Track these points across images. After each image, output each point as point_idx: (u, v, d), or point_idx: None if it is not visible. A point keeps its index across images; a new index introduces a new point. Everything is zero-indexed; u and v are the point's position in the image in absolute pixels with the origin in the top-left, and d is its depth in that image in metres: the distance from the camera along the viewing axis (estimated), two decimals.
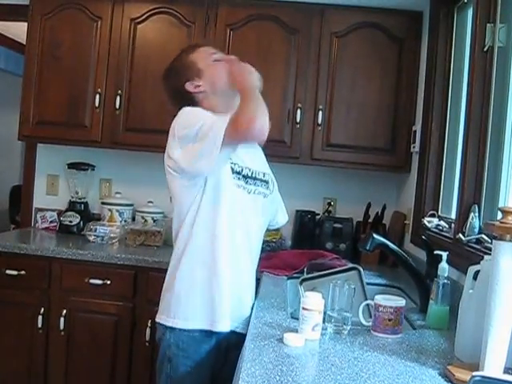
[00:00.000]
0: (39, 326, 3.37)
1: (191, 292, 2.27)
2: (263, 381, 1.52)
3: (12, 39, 6.82)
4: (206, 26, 3.63)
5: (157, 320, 2.36)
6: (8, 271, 3.36)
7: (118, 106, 3.66)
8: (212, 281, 2.26)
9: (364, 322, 2.04)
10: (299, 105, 3.57)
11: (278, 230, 3.83)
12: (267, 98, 3.48)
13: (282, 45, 3.61)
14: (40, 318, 3.37)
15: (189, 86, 2.41)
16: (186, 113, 2.30)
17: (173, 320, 2.28)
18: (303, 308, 1.92)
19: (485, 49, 2.51)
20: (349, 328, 1.99)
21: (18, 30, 6.04)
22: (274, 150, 3.51)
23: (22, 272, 3.37)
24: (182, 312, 2.28)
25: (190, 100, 2.39)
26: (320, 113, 3.57)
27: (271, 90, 3.54)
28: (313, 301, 1.93)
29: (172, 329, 2.27)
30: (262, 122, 2.11)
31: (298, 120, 3.57)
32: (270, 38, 3.61)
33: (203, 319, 2.26)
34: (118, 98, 3.66)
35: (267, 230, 2.64)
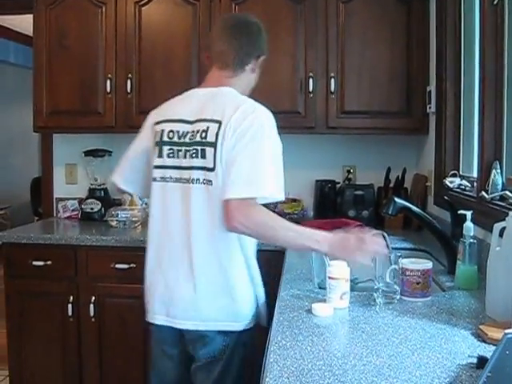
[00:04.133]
0: (69, 314, 3.40)
1: None
2: (295, 352, 1.52)
3: (20, 33, 6.83)
4: (210, 3, 3.59)
5: None
6: (35, 262, 3.39)
7: (129, 90, 3.65)
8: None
9: (396, 287, 2.02)
10: (311, 74, 3.53)
11: (298, 201, 3.83)
12: (278, 70, 3.50)
13: (288, 15, 3.56)
14: (70, 306, 3.40)
15: (253, 63, 2.28)
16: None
17: None
18: (329, 277, 1.92)
19: (494, 2, 2.46)
20: (398, 297, 1.99)
21: (24, 23, 6.05)
22: (289, 121, 3.52)
23: (49, 262, 3.40)
24: None
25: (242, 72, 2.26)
26: (332, 80, 3.52)
27: (281, 62, 3.54)
28: (339, 269, 1.92)
29: None
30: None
31: (310, 89, 3.53)
32: (276, 9, 3.56)
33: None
34: (129, 81, 3.65)
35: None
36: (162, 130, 2.19)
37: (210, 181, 2.06)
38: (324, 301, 1.92)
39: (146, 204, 3.81)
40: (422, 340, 1.61)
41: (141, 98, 3.66)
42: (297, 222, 3.52)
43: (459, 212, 2.32)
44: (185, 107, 2.20)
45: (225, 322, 2.12)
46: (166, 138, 2.17)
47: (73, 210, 4.04)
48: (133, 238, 3.36)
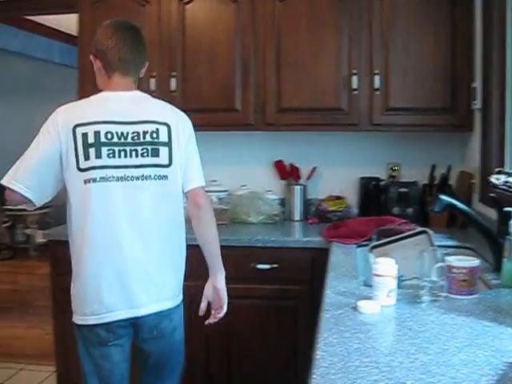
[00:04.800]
0: None
1: None
2: (341, 349, 1.53)
3: (64, 32, 6.94)
4: (253, 2, 3.60)
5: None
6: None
7: (173, 88, 3.69)
8: None
9: (442, 285, 2.00)
10: (354, 71, 3.52)
11: (342, 198, 3.83)
12: (321, 67, 3.50)
13: (332, 12, 3.55)
14: None
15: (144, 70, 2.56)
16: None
17: None
18: (376, 274, 1.91)
19: None
20: (444, 295, 1.98)
21: (69, 23, 6.15)
22: (332, 118, 3.52)
23: None
24: None
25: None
26: (376, 77, 3.50)
27: (325, 59, 3.53)
28: (385, 266, 1.92)
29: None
30: None
31: (354, 86, 3.52)
32: (320, 6, 3.55)
33: None
34: (173, 79, 3.69)
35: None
36: (96, 132, 2.25)
37: (166, 176, 2.34)
38: (370, 298, 1.92)
39: None
40: (468, 338, 1.60)
41: (185, 97, 3.69)
42: (341, 219, 3.56)
43: (505, 209, 2.29)
44: (106, 110, 2.32)
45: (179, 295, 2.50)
46: (103, 139, 2.25)
47: None
48: None
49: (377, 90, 3.51)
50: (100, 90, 2.44)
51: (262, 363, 3.35)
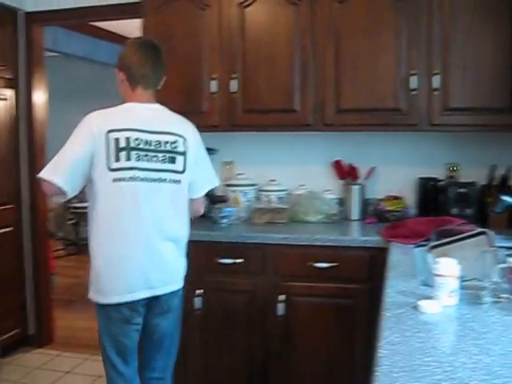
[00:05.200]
0: None
1: None
2: (403, 348, 1.56)
3: (125, 37, 7.05)
4: (313, 3, 3.61)
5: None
6: None
7: (234, 90, 3.74)
8: None
9: (504, 286, 2.00)
10: (413, 71, 3.49)
11: (400, 198, 3.82)
12: (380, 68, 3.50)
13: (390, 12, 3.52)
14: None
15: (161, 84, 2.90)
16: None
17: None
18: (437, 274, 1.92)
19: None
20: (506, 296, 1.97)
21: (131, 28, 6.27)
22: (391, 118, 3.51)
23: None
24: None
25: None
26: (435, 77, 3.46)
27: (383, 60, 3.52)
28: (447, 267, 1.92)
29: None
30: None
31: (413, 87, 3.49)
32: (379, 7, 3.53)
33: None
34: (233, 81, 3.74)
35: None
36: (127, 138, 2.59)
37: (179, 180, 2.71)
38: (430, 298, 1.94)
39: (250, 201, 3.91)
40: None
41: (245, 98, 3.74)
42: (399, 219, 3.56)
43: None
44: (134, 119, 2.68)
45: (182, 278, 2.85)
46: (133, 145, 2.60)
47: None
48: (238, 234, 3.47)
49: (436, 90, 3.47)
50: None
51: (320, 360, 3.39)
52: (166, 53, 3.74)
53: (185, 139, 2.74)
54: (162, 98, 3.77)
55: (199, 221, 3.84)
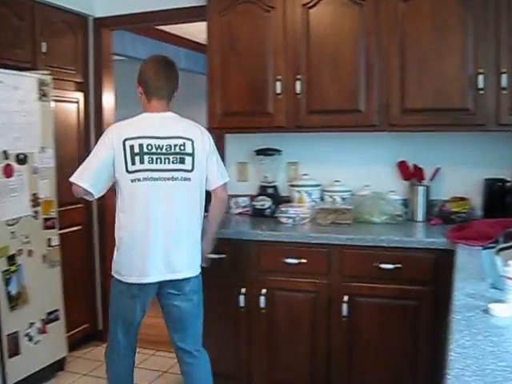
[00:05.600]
0: (241, 305, 3.60)
1: None
2: (474, 352, 1.54)
3: (189, 40, 7.19)
4: (377, 3, 3.60)
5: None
6: (210, 255, 3.58)
7: (298, 91, 3.76)
8: None
9: None
10: (480, 70, 3.42)
11: (466, 200, 3.77)
12: (446, 67, 3.47)
13: (456, 10, 3.47)
14: (242, 297, 3.60)
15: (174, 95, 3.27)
16: None
17: None
18: (509, 277, 1.89)
19: None
20: None
21: (194, 30, 6.38)
22: (458, 118, 3.47)
23: (223, 255, 3.61)
24: None
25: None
26: (503, 76, 3.38)
27: (449, 59, 3.48)
28: None
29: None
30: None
31: (480, 86, 3.43)
32: (444, 5, 3.49)
33: None
34: (298, 82, 3.76)
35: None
36: (140, 145, 3.01)
37: (189, 178, 3.07)
38: (500, 301, 1.91)
39: (314, 201, 3.93)
40: None
41: (310, 99, 3.76)
42: (465, 221, 3.52)
43: None
44: (150, 127, 3.09)
45: (196, 267, 3.19)
46: (145, 150, 3.01)
47: (244, 207, 4.27)
48: (303, 234, 3.49)
49: (504, 89, 3.39)
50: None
51: (383, 361, 3.38)
52: (232, 55, 3.87)
53: (192, 141, 3.11)
54: (228, 99, 3.91)
55: (263, 221, 3.91)
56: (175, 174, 3.05)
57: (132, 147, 3.01)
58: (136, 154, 3.01)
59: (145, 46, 6.75)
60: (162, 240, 3.04)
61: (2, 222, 3.77)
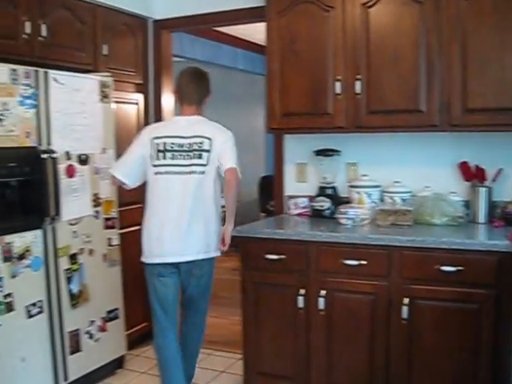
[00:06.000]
0: (300, 306, 3.59)
1: None
2: None
3: (247, 40, 7.23)
4: (437, 1, 3.54)
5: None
6: (269, 256, 3.62)
7: (358, 91, 3.74)
8: None
9: None
10: None
11: None
12: (509, 66, 3.39)
13: None
14: (300, 298, 3.58)
15: (205, 100, 3.74)
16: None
17: None
18: None
19: None
20: None
21: (251, 31, 6.40)
22: None
23: (282, 256, 3.61)
24: None
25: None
26: None
27: (510, 57, 3.41)
28: None
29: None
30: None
31: None
32: (506, 2, 3.41)
33: None
34: (358, 82, 3.74)
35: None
36: (164, 143, 3.54)
37: (204, 171, 3.51)
38: None
39: (374, 203, 3.90)
40: None
41: (370, 99, 3.73)
42: None
43: None
44: (175, 129, 3.61)
45: (209, 252, 3.59)
46: (168, 148, 3.54)
47: (303, 208, 4.26)
48: (363, 236, 3.45)
49: None
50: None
51: (443, 365, 3.32)
52: (292, 56, 3.87)
53: (211, 140, 3.53)
54: (288, 100, 3.92)
55: (322, 222, 3.90)
56: (193, 168, 3.51)
57: (158, 145, 3.55)
58: (160, 151, 3.54)
59: (203, 48, 6.83)
60: (177, 225, 3.50)
61: (64, 221, 3.85)
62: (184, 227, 3.49)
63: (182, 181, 3.50)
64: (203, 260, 3.56)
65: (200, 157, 3.51)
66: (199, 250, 3.54)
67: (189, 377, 3.85)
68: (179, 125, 3.64)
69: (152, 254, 3.55)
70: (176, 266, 3.56)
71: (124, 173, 3.63)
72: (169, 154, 3.53)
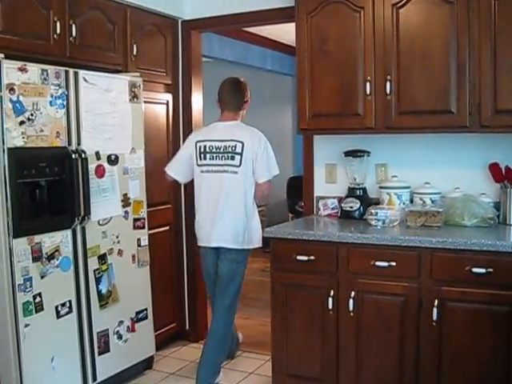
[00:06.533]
0: (329, 307, 3.58)
1: None
2: None
3: (275, 41, 7.23)
4: (468, 1, 3.50)
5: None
6: (299, 257, 3.62)
7: (388, 92, 3.72)
8: None
9: None
10: None
11: None
12: None
13: None
14: (330, 299, 3.57)
15: (243, 106, 4.25)
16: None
17: None
18: None
19: None
20: None
21: (280, 32, 6.40)
22: None
23: (312, 257, 3.61)
24: None
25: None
26: None
27: None
28: None
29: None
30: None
31: None
32: None
33: None
34: (388, 83, 3.72)
35: None
36: (205, 146, 4.08)
37: (236, 172, 4.00)
38: None
39: (404, 204, 3.88)
40: None
41: (400, 100, 3.71)
42: None
43: None
44: (214, 133, 4.11)
45: (237, 243, 4.05)
46: (207, 150, 4.07)
47: (332, 209, 4.24)
48: (392, 237, 3.43)
49: None
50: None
51: (473, 368, 3.28)
52: (321, 56, 3.87)
53: (243, 143, 3.98)
54: (318, 101, 3.92)
55: (352, 223, 3.88)
56: (226, 168, 4.02)
57: (200, 147, 4.09)
58: (202, 152, 4.09)
59: (232, 48, 6.84)
60: (212, 216, 4.06)
61: (94, 221, 3.88)
62: (216, 218, 4.04)
63: (218, 178, 4.04)
64: (231, 249, 4.04)
65: (233, 158, 4.00)
66: (227, 238, 4.03)
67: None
68: (218, 129, 4.13)
69: (199, 238, 4.21)
70: (214, 249, 4.10)
71: (175, 171, 4.23)
72: (208, 155, 4.07)
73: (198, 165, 4.10)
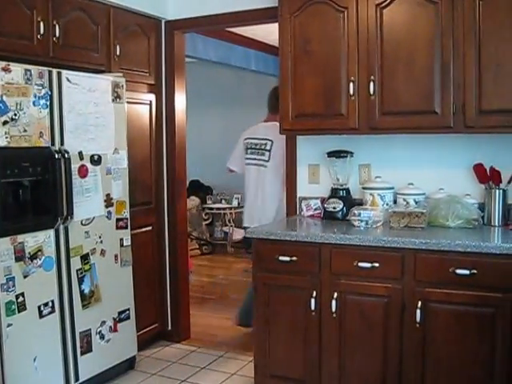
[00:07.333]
0: (312, 308, 3.57)
1: None
2: None
3: (260, 41, 7.22)
4: (453, 2, 3.49)
5: None
6: (281, 257, 3.60)
7: (372, 92, 3.71)
8: None
9: None
10: None
11: None
12: None
13: None
14: (313, 300, 3.56)
15: None
16: None
17: None
18: None
19: None
20: None
21: (263, 32, 6.39)
22: None
23: (294, 258, 3.59)
24: None
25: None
26: None
27: None
28: None
29: None
30: None
31: None
32: None
33: None
34: (372, 83, 3.71)
35: None
36: (249, 142, 5.00)
37: (266, 166, 4.89)
38: None
39: (387, 205, 3.88)
40: None
41: (383, 100, 3.70)
42: None
43: None
44: (255, 132, 5.05)
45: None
46: (249, 146, 5.00)
47: (315, 209, 4.23)
48: (376, 238, 3.42)
49: None
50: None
51: (457, 369, 3.28)
52: (304, 56, 3.86)
53: (272, 142, 4.84)
54: (301, 101, 3.92)
55: (335, 224, 3.87)
56: (259, 162, 4.93)
57: (246, 144, 5.04)
58: (247, 148, 5.04)
59: (215, 48, 6.83)
60: (251, 202, 5.00)
61: (76, 221, 3.86)
62: (254, 203, 4.98)
63: (255, 170, 4.97)
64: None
65: (263, 154, 4.91)
66: (260, 220, 4.76)
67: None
68: (258, 129, 5.08)
69: (247, 220, 5.05)
70: None
71: (233, 163, 5.25)
72: (249, 151, 5.01)
73: (245, 158, 5.04)
